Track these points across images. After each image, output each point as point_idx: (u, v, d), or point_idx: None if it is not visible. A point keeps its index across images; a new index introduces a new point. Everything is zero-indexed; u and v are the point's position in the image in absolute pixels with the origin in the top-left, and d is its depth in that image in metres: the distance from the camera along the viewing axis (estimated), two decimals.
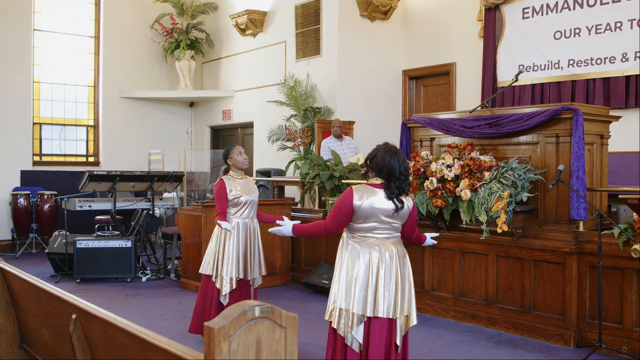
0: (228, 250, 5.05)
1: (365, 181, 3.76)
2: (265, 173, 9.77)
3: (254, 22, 10.96)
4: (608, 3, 7.84)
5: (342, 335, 3.64)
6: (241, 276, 5.08)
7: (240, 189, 5.11)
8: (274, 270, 7.61)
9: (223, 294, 5.02)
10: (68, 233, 8.16)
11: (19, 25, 10.74)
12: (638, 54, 7.54)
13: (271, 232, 3.92)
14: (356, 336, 3.61)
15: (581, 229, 5.29)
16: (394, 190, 3.63)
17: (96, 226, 8.86)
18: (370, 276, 3.61)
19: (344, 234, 3.77)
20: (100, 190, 8.41)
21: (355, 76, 9.83)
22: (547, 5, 8.45)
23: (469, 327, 5.77)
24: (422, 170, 5.93)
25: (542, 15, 8.53)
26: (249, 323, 1.76)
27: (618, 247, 4.92)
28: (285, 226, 3.80)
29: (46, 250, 8.38)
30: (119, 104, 11.99)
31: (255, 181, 5.34)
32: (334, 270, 3.75)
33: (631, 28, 7.61)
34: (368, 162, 3.73)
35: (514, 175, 5.35)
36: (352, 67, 9.80)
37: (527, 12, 8.70)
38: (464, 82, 9.50)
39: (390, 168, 3.62)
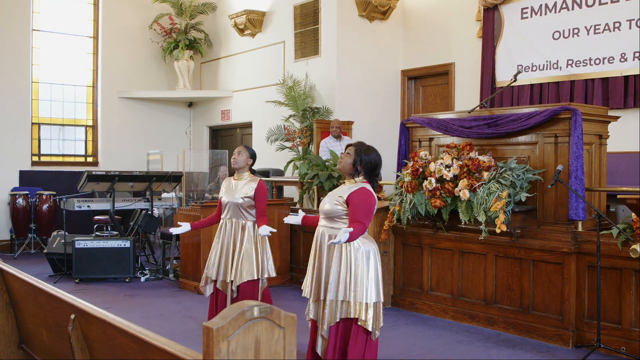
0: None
1: (354, 180, 3.91)
2: (264, 173, 9.77)
3: (253, 22, 10.96)
4: (607, 3, 7.85)
5: (375, 331, 3.79)
6: (214, 277, 5.03)
7: (228, 190, 5.09)
8: None
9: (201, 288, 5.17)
10: (67, 233, 8.15)
11: (17, 26, 10.74)
12: (637, 54, 7.55)
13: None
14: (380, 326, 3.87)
15: (580, 229, 5.29)
16: (376, 185, 3.92)
17: (95, 226, 8.85)
18: (379, 266, 3.86)
19: None
20: (99, 191, 8.40)
21: (354, 76, 9.83)
22: (546, 6, 8.46)
23: (468, 327, 5.77)
24: (420, 170, 5.93)
25: (540, 15, 8.54)
26: (248, 323, 1.76)
27: (617, 247, 4.92)
28: (344, 236, 3.63)
29: (45, 251, 8.37)
30: (117, 104, 11.99)
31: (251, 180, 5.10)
32: (350, 269, 3.76)
33: (630, 28, 7.62)
34: (359, 165, 3.86)
35: (513, 176, 5.35)
36: (351, 67, 9.80)
37: (526, 12, 8.70)
38: (462, 82, 9.51)
39: (379, 166, 3.91)
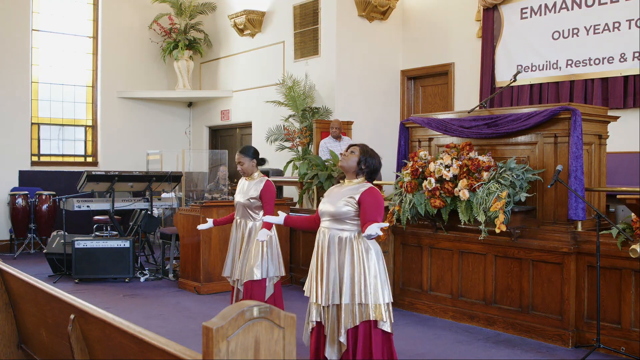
0: None
1: (358, 181, 3.85)
2: (264, 173, 9.76)
3: (253, 22, 10.96)
4: (606, 3, 7.85)
5: (386, 329, 3.75)
6: (226, 274, 5.10)
7: (239, 190, 5.12)
8: None
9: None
10: (66, 233, 8.15)
11: (17, 26, 10.74)
12: (636, 54, 7.55)
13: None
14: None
15: (579, 229, 5.29)
16: None
17: (94, 226, 8.86)
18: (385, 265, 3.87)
19: (354, 234, 3.76)
20: (99, 191, 8.40)
21: (353, 76, 9.83)
22: (546, 6, 8.46)
23: (468, 328, 5.77)
24: (420, 170, 5.93)
25: (540, 15, 8.54)
26: (248, 323, 1.76)
27: (616, 247, 4.92)
28: (377, 230, 3.56)
29: (44, 251, 8.38)
30: (117, 104, 11.98)
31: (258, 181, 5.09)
32: (364, 271, 3.70)
33: (629, 28, 7.62)
34: (363, 165, 3.83)
35: (513, 176, 5.36)
36: (351, 67, 9.80)
37: (526, 12, 8.70)
38: (462, 82, 9.51)
39: (379, 171, 3.92)
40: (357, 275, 3.69)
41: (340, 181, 3.97)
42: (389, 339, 3.78)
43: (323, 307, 3.83)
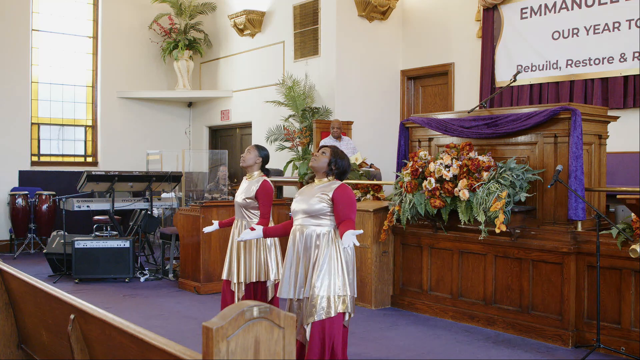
0: None
1: (328, 180, 3.98)
2: (264, 172, 9.75)
3: (252, 22, 10.96)
4: (606, 3, 7.85)
5: (346, 325, 3.90)
6: (225, 277, 4.94)
7: (239, 190, 5.05)
8: None
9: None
10: (66, 233, 8.15)
11: (17, 26, 10.74)
12: (636, 54, 7.55)
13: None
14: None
15: (579, 229, 5.29)
16: None
17: (94, 226, 8.85)
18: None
19: (330, 230, 3.85)
20: (99, 191, 8.40)
21: (353, 76, 9.84)
22: (546, 6, 8.46)
23: (467, 328, 5.77)
24: (420, 170, 5.93)
25: (540, 15, 8.54)
26: (247, 323, 1.76)
27: (616, 247, 4.92)
28: (353, 238, 3.66)
29: (44, 251, 8.37)
30: (117, 104, 11.99)
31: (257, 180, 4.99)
32: (342, 265, 3.81)
33: (629, 28, 7.62)
34: (333, 166, 3.97)
35: (512, 176, 5.36)
36: (351, 67, 9.80)
37: (526, 13, 8.70)
38: (462, 82, 9.51)
39: (348, 173, 4.06)
40: (336, 268, 3.79)
41: (310, 181, 4.07)
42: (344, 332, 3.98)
43: (292, 300, 3.92)
